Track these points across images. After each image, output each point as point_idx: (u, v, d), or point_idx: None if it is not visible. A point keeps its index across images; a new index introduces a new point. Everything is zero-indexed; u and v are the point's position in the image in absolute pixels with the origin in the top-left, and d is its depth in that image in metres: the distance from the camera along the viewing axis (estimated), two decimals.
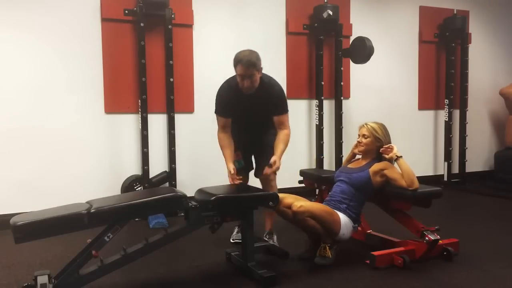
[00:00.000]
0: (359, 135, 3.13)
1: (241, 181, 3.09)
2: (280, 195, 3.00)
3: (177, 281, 2.72)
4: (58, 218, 2.20)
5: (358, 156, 3.25)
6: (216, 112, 3.21)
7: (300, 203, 2.83)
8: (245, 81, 2.99)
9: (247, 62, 2.95)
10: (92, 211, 2.26)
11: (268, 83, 3.14)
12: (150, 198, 2.49)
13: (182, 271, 2.87)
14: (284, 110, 3.19)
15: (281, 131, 3.19)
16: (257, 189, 2.97)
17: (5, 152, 3.98)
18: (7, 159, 3.99)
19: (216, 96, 3.22)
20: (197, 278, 2.75)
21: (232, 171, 3.06)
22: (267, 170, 3.01)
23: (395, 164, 3.01)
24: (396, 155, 2.95)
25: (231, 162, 3.11)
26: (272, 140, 3.20)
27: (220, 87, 3.22)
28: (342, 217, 2.93)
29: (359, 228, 3.20)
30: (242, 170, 3.25)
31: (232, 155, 3.15)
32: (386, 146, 3.01)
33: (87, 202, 2.45)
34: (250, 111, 3.19)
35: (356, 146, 3.20)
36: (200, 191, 2.78)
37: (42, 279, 2.26)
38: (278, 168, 3.01)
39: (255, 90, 3.05)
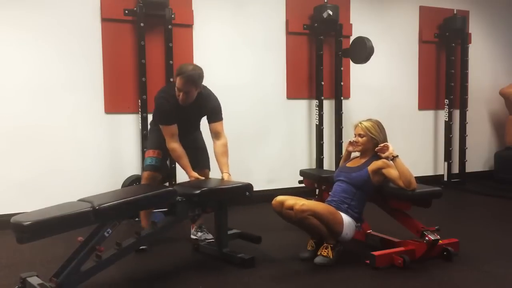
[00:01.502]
0: (355, 135, 3.13)
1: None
2: (282, 197, 3.01)
3: (163, 276, 2.73)
4: (66, 216, 2.22)
5: (354, 154, 3.24)
6: (161, 123, 3.23)
7: (302, 202, 2.85)
8: (181, 94, 3.07)
9: (187, 78, 3.03)
10: (98, 207, 2.30)
11: (207, 94, 3.27)
12: (150, 193, 2.64)
13: (161, 268, 2.88)
14: (219, 117, 3.32)
15: (219, 142, 3.29)
16: (231, 181, 3.16)
17: (5, 152, 3.98)
18: (7, 159, 3.99)
19: (157, 109, 3.25)
20: (174, 269, 2.79)
21: (199, 178, 3.20)
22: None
23: (392, 163, 3.00)
24: (392, 155, 2.92)
25: (191, 170, 3.21)
26: (203, 143, 3.46)
27: (159, 99, 3.22)
28: (345, 217, 2.93)
29: (361, 228, 3.19)
30: (157, 167, 3.31)
31: (189, 164, 3.22)
32: (382, 145, 3.00)
33: (80, 200, 2.47)
34: (187, 118, 3.28)
35: (349, 144, 3.20)
36: (181, 185, 2.98)
37: (36, 280, 2.30)
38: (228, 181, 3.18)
39: (198, 99, 3.16)
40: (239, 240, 3.20)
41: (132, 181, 4.28)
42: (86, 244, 2.37)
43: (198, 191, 2.77)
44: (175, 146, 3.18)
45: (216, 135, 3.30)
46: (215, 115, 3.29)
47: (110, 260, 2.47)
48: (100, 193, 2.73)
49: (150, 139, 3.50)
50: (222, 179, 3.19)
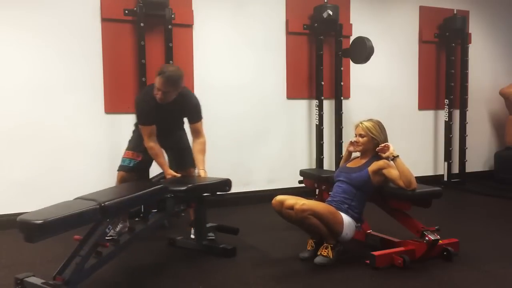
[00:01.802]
0: (355, 135, 3.13)
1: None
2: (281, 196, 3.02)
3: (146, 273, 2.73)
4: (75, 214, 2.25)
5: (355, 154, 3.25)
6: (139, 123, 3.30)
7: (302, 201, 2.85)
8: (160, 93, 3.10)
9: (167, 78, 3.06)
10: (103, 204, 2.35)
11: (186, 95, 3.31)
12: (150, 189, 2.77)
13: (160, 268, 2.88)
14: (199, 118, 3.38)
15: (197, 140, 3.39)
16: (210, 177, 3.30)
17: (4, 152, 3.98)
18: (7, 159, 3.99)
19: (137, 108, 3.32)
20: (174, 269, 2.78)
21: (177, 175, 3.28)
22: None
23: (392, 163, 3.00)
24: (393, 155, 2.93)
25: (168, 168, 3.33)
26: (187, 143, 3.52)
27: (139, 99, 3.33)
28: (345, 218, 2.93)
29: (361, 228, 3.19)
30: (132, 169, 3.41)
31: (165, 162, 3.34)
32: (382, 145, 3.00)
33: (77, 198, 2.49)
34: (168, 119, 3.35)
35: (350, 144, 3.20)
36: (164, 182, 3.10)
37: (35, 279, 2.33)
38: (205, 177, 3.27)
39: (174, 100, 3.19)
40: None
41: None
42: (85, 242, 2.40)
43: (185, 187, 2.90)
44: (152, 145, 3.27)
45: (195, 134, 3.39)
46: (195, 115, 3.36)
47: (109, 256, 2.52)
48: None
49: (133, 140, 3.54)
50: (199, 175, 3.29)
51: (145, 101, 3.22)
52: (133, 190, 2.80)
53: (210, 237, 3.32)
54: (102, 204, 2.35)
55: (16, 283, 2.37)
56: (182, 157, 3.51)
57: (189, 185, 2.96)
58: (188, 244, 3.30)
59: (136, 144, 3.44)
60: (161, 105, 3.19)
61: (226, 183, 3.20)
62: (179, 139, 3.54)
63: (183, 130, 3.57)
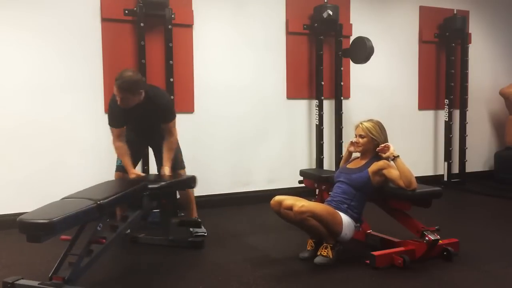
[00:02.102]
0: (355, 135, 3.13)
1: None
2: (280, 197, 3.02)
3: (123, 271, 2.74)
4: (79, 213, 2.28)
5: (355, 155, 3.25)
6: (109, 124, 3.36)
7: (301, 203, 2.84)
8: (119, 100, 3.12)
9: (119, 85, 3.06)
10: (101, 202, 2.41)
11: (154, 97, 3.26)
12: (140, 185, 2.94)
13: (159, 267, 2.88)
14: (170, 118, 3.37)
15: (169, 139, 3.41)
16: (176, 175, 3.45)
17: (4, 152, 3.98)
18: (7, 159, 3.99)
19: (108, 111, 3.39)
20: (173, 268, 2.78)
21: (140, 175, 3.36)
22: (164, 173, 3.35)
23: (392, 164, 3.00)
24: (393, 155, 2.93)
25: (133, 168, 3.39)
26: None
27: (110, 101, 3.34)
28: (344, 218, 2.93)
29: (360, 228, 3.19)
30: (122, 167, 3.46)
31: (130, 162, 3.38)
32: (383, 145, 3.00)
33: (65, 198, 2.52)
34: (142, 121, 3.39)
35: (350, 144, 3.20)
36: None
37: (26, 281, 2.37)
38: (169, 175, 3.32)
39: (142, 102, 3.19)
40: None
41: None
42: (74, 241, 2.47)
43: (158, 185, 3.03)
44: (119, 144, 3.35)
45: (167, 133, 3.40)
46: (165, 117, 3.35)
47: (99, 254, 2.57)
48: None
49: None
50: (163, 173, 3.34)
51: (114, 104, 3.24)
52: (119, 187, 2.90)
53: (201, 233, 3.48)
54: (99, 202, 2.40)
55: (6, 287, 2.37)
56: (159, 156, 3.53)
57: (162, 183, 3.07)
58: (153, 240, 3.39)
59: (137, 147, 3.49)
60: (133, 108, 3.19)
61: (193, 180, 3.38)
62: (157, 138, 3.50)
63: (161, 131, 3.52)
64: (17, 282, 2.37)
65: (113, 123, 3.33)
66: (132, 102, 3.15)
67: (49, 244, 2.53)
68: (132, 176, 3.31)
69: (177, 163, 3.55)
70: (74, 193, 2.63)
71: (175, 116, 3.41)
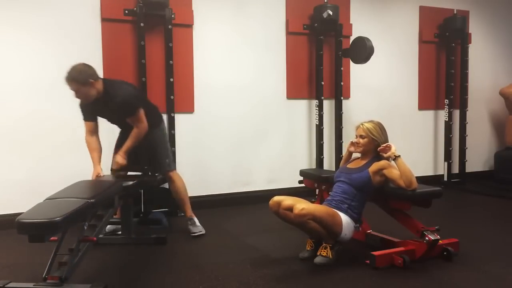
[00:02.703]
0: (356, 136, 3.13)
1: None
2: (279, 197, 3.02)
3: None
4: (76, 212, 2.30)
5: (355, 155, 3.25)
6: (83, 118, 3.42)
7: (301, 206, 2.82)
8: (74, 93, 3.16)
9: (67, 77, 3.13)
10: (94, 201, 2.48)
11: (111, 91, 3.25)
12: (131, 182, 3.17)
13: (157, 266, 2.88)
14: (129, 112, 3.32)
15: (134, 129, 3.36)
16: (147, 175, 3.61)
17: (4, 152, 3.98)
18: (7, 159, 3.99)
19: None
20: (172, 268, 2.78)
21: (100, 174, 3.34)
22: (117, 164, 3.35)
23: (393, 163, 3.01)
24: (394, 155, 2.94)
25: (99, 165, 3.38)
26: (155, 143, 3.56)
27: None
28: (344, 218, 2.93)
29: (360, 228, 3.19)
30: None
31: (99, 158, 3.41)
32: (384, 145, 3.00)
33: (48, 199, 2.54)
34: (108, 115, 3.43)
35: (351, 145, 3.20)
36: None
37: (18, 284, 2.40)
38: (123, 164, 3.32)
39: (102, 97, 3.22)
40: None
41: None
42: (61, 241, 2.48)
43: (128, 184, 3.15)
44: (88, 139, 3.41)
45: (133, 123, 3.35)
46: (124, 111, 3.30)
47: (86, 252, 2.63)
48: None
49: (118, 140, 3.61)
50: (116, 160, 3.34)
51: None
52: (102, 187, 2.95)
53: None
54: (93, 201, 2.45)
55: None
56: (153, 159, 3.58)
57: (129, 183, 3.18)
58: (115, 240, 3.44)
59: (120, 144, 3.46)
60: (96, 103, 3.24)
61: (154, 178, 3.60)
62: (149, 140, 3.48)
63: (151, 129, 3.46)
64: (7, 285, 2.38)
65: (83, 116, 3.39)
66: (87, 95, 3.17)
67: (49, 244, 2.53)
68: (94, 172, 3.35)
69: (162, 166, 3.58)
70: (54, 194, 2.63)
71: (137, 108, 3.30)
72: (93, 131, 3.40)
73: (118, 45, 4.32)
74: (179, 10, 4.46)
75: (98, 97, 3.21)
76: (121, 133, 3.60)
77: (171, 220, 4.10)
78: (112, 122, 3.55)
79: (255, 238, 3.58)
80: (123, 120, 3.40)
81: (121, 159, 3.32)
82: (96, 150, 3.40)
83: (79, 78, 3.11)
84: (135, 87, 3.62)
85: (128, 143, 3.35)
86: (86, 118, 3.39)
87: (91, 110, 3.35)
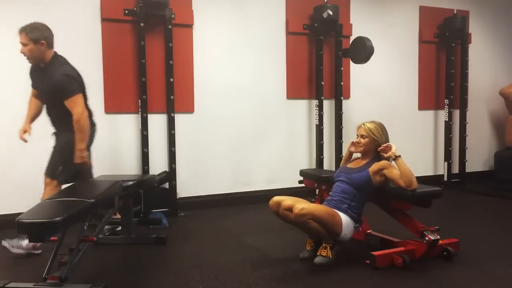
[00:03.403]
0: (357, 135, 3.13)
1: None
2: (278, 197, 3.02)
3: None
4: (76, 212, 2.32)
5: (356, 155, 3.25)
6: (31, 84, 3.36)
7: (301, 206, 2.82)
8: (20, 48, 3.06)
9: (21, 28, 3.06)
10: (93, 201, 2.48)
11: (54, 64, 3.10)
12: (130, 183, 3.23)
13: (156, 266, 2.88)
14: (67, 94, 3.06)
15: (74, 123, 3.09)
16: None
17: (4, 152, 3.98)
18: (7, 159, 3.99)
19: None
20: (172, 268, 2.78)
21: (27, 131, 3.29)
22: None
23: (394, 163, 3.01)
24: (395, 155, 2.94)
25: (29, 124, 3.31)
26: (62, 140, 3.26)
27: None
28: (344, 218, 2.93)
29: (360, 228, 3.19)
30: None
31: (32, 118, 3.34)
32: (385, 145, 3.01)
33: (48, 199, 2.57)
34: (42, 92, 3.28)
35: (351, 144, 3.20)
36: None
37: (18, 284, 2.40)
38: (86, 161, 3.19)
39: (44, 69, 3.11)
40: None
41: None
42: (61, 242, 2.50)
43: (127, 184, 3.20)
44: (31, 99, 3.37)
45: (71, 110, 3.09)
46: (61, 92, 3.05)
47: (86, 252, 2.65)
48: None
49: None
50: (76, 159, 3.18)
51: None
52: (102, 187, 2.96)
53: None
54: (92, 201, 2.45)
55: None
56: (52, 159, 3.33)
57: (129, 183, 3.22)
58: (115, 240, 3.43)
59: (49, 165, 3.39)
60: (38, 73, 3.16)
61: (154, 178, 3.78)
62: (61, 136, 3.28)
63: (64, 122, 3.19)
64: (7, 285, 2.38)
65: (31, 83, 3.33)
66: (32, 55, 3.06)
67: (49, 244, 2.53)
68: (21, 129, 3.29)
69: (54, 170, 3.25)
70: (54, 194, 2.65)
71: (73, 93, 3.07)
72: (35, 95, 3.35)
73: (118, 45, 4.32)
74: (179, 10, 4.46)
75: (43, 68, 3.12)
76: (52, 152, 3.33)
77: (171, 220, 4.10)
78: (44, 103, 3.29)
79: (255, 238, 3.58)
80: (56, 105, 3.13)
81: (79, 158, 3.09)
82: (33, 110, 3.33)
83: (32, 33, 3.04)
84: (80, 74, 3.26)
85: (76, 141, 3.07)
86: (33, 85, 3.33)
87: (32, 76, 3.27)
